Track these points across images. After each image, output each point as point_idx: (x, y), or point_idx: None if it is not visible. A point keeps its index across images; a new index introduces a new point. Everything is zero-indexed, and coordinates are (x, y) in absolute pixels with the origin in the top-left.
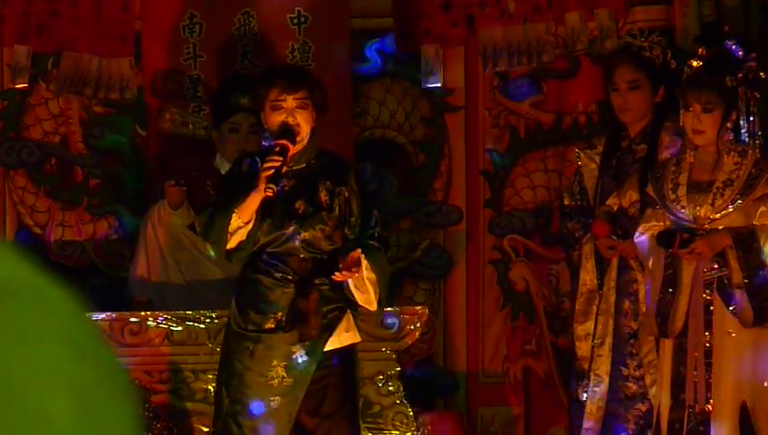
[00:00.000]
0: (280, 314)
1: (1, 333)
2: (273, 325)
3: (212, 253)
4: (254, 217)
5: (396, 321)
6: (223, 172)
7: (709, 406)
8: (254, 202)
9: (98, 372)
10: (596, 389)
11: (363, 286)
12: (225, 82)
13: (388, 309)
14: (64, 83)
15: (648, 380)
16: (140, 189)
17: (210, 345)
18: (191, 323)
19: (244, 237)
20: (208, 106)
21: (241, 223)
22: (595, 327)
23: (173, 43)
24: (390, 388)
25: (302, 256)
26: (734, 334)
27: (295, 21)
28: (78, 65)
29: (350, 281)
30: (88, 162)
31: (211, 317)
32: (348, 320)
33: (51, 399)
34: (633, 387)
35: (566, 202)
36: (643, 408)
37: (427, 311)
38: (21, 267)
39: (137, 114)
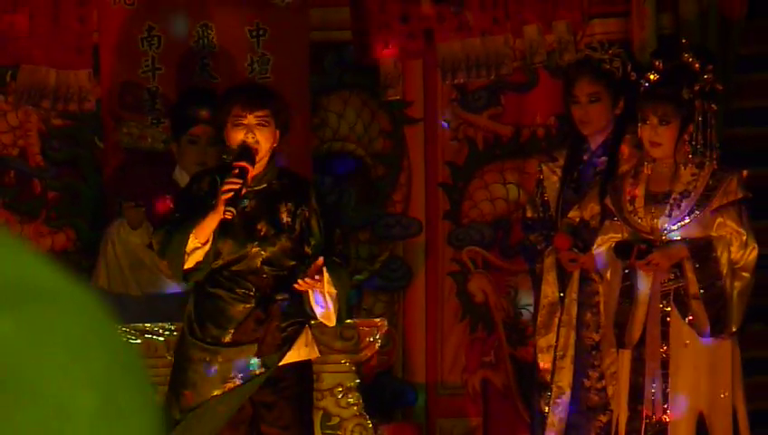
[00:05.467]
0: (239, 328)
1: (23, 333)
2: (231, 339)
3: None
4: (211, 239)
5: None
6: (182, 185)
7: (666, 417)
8: (211, 223)
9: (120, 369)
10: (558, 401)
11: (323, 302)
12: (184, 93)
13: (348, 321)
14: (22, 96)
15: (610, 391)
16: (99, 202)
17: (169, 358)
18: (150, 336)
19: (200, 258)
20: (167, 119)
21: (198, 244)
22: (557, 339)
23: (131, 55)
24: (350, 400)
25: (263, 275)
26: (690, 345)
27: (254, 33)
28: (36, 78)
29: (310, 296)
30: (46, 175)
31: (170, 330)
32: (306, 335)
33: (73, 394)
34: (595, 398)
35: (528, 214)
36: (604, 419)
37: (386, 323)
38: (40, 267)
39: (95, 127)
